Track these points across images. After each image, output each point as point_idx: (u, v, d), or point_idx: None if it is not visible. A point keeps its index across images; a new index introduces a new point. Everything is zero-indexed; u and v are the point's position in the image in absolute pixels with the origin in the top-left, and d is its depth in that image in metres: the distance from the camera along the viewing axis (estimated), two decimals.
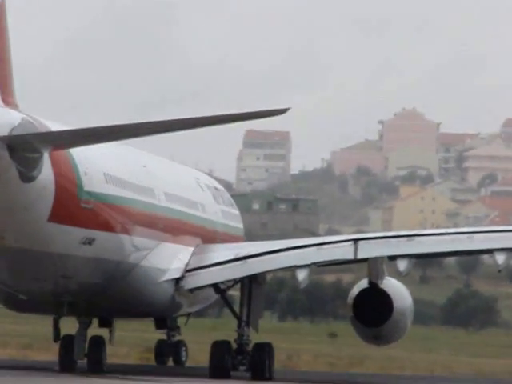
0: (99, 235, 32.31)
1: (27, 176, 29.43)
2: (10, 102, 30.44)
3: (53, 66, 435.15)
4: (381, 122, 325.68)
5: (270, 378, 35.13)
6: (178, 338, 42.96)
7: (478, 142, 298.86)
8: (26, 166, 29.32)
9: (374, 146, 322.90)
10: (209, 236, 39.56)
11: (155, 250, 35.35)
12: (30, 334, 46.62)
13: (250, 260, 35.10)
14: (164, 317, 39.00)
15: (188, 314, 41.35)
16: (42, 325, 49.35)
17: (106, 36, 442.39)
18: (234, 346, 35.13)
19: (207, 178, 45.97)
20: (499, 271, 35.39)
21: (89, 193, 31.66)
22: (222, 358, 34.76)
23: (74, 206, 31.27)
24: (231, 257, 35.45)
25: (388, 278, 37.30)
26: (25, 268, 31.38)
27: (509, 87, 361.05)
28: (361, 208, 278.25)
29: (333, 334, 77.72)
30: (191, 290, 35.71)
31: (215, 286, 35.96)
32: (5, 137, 28.45)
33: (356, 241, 34.81)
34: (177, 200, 37.85)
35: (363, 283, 36.88)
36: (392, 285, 37.52)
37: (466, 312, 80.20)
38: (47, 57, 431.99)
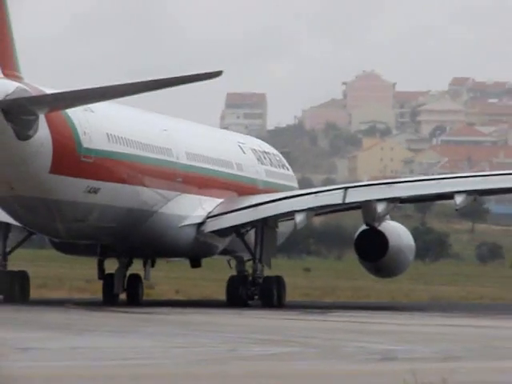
0: (104, 185, 33.12)
1: (24, 135, 30.45)
2: (10, 75, 30.81)
3: (61, 41, 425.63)
4: (344, 83, 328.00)
5: (280, 306, 36.85)
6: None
7: (428, 99, 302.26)
8: (21, 127, 30.25)
9: (339, 105, 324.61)
10: (246, 191, 39.69)
11: (175, 200, 35.75)
12: (45, 276, 45.86)
13: (260, 207, 36.42)
14: (197, 257, 38.75)
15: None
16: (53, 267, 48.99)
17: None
18: (250, 279, 36.84)
19: (258, 143, 45.56)
20: (456, 210, 38.14)
21: (88, 149, 32.30)
22: (237, 288, 36.46)
23: (73, 160, 32.09)
24: (247, 205, 36.88)
25: (389, 221, 38.95)
26: (41, 213, 32.61)
27: (454, 52, 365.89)
28: (329, 158, 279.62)
29: (307, 268, 77.98)
30: (212, 234, 36.72)
31: (236, 229, 36.86)
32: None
33: (346, 188, 36.35)
34: (202, 159, 37.99)
35: (363, 226, 38.27)
36: (390, 226, 38.69)
37: (422, 246, 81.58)
38: (54, 33, 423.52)
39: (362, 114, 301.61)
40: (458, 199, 35.81)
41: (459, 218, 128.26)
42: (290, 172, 45.38)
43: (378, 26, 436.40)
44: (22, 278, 34.73)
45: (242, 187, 40.03)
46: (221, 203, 37.58)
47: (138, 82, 31.37)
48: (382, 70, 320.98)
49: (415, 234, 46.64)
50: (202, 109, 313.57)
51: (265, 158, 42.71)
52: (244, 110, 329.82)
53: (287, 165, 44.93)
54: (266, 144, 46.48)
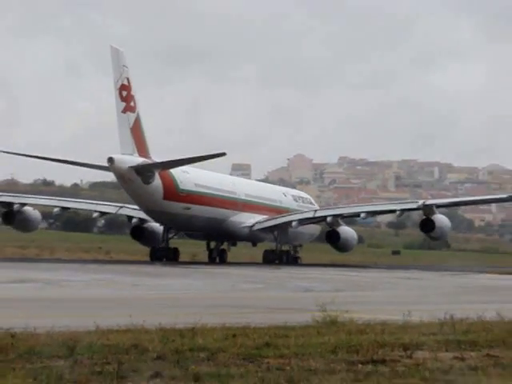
0: (194, 207, 60.47)
1: (147, 182, 57.19)
2: (144, 155, 57.44)
3: None
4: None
5: (288, 264, 63.91)
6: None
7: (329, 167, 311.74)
8: (145, 178, 56.89)
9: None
10: (282, 212, 67.43)
11: (238, 215, 64.09)
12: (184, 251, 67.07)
13: (278, 218, 65.26)
14: (253, 242, 68.30)
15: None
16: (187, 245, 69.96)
17: None
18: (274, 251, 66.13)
19: (299, 193, 78.03)
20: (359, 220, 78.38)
21: (183, 190, 59.80)
22: (269, 255, 65.16)
23: (174, 194, 59.17)
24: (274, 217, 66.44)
25: (344, 227, 65.18)
26: (165, 218, 60.22)
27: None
28: None
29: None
30: (258, 230, 64.75)
31: (269, 229, 65.14)
32: (133, 166, 56.12)
33: (315, 211, 67.01)
34: (255, 196, 66.69)
35: (328, 228, 65.81)
36: (343, 228, 64.98)
37: None
38: None
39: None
40: (362, 215, 64.46)
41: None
42: (314, 205, 73.83)
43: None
44: (175, 251, 63.00)
45: (280, 211, 67.78)
46: (265, 217, 65.83)
47: (177, 160, 57.98)
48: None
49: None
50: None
51: (298, 199, 72.16)
52: None
53: (313, 201, 75.26)
54: (302, 192, 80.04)
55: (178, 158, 58.07)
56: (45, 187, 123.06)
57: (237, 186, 66.29)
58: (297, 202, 70.16)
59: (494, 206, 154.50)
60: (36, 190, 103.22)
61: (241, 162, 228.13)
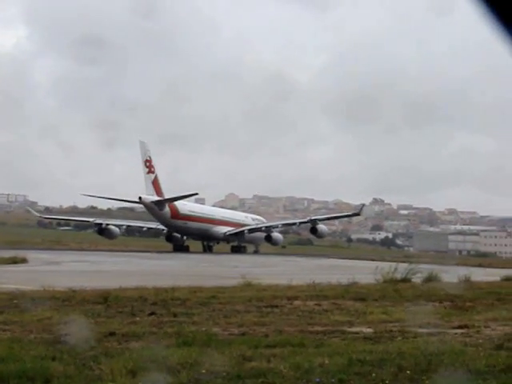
0: (189, 222, 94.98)
1: (160, 209, 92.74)
2: (160, 195, 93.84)
3: None
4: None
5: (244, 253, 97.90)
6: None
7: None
8: (159, 208, 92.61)
9: None
10: (241, 226, 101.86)
11: (217, 227, 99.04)
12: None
13: (237, 229, 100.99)
14: (228, 242, 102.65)
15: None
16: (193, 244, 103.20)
17: None
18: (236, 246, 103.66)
19: (255, 216, 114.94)
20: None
21: (182, 214, 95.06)
22: (233, 248, 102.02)
23: (177, 216, 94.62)
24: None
25: (275, 233, 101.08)
26: (175, 227, 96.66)
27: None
28: None
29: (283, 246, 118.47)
30: (229, 235, 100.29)
31: (235, 234, 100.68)
32: (153, 201, 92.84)
33: (256, 226, 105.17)
34: (226, 217, 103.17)
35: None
36: (275, 234, 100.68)
37: None
38: None
39: None
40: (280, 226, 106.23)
41: None
42: (265, 222, 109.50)
43: None
44: (187, 247, 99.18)
45: (241, 224, 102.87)
46: (232, 228, 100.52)
47: (170, 198, 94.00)
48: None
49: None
50: None
51: (254, 219, 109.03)
52: None
53: (264, 220, 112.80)
54: (257, 216, 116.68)
55: (170, 197, 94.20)
56: (93, 210, 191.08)
57: (214, 211, 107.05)
58: (253, 221, 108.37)
59: (337, 221, 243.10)
60: (88, 212, 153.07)
61: (199, 197, 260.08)
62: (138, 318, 17.39)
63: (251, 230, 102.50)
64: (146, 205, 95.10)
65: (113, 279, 28.36)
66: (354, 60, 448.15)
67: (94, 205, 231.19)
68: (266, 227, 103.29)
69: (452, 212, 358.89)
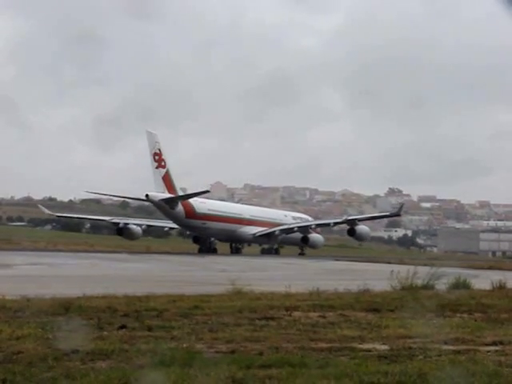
0: (208, 222, 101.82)
1: (173, 208, 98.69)
2: (172, 192, 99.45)
3: None
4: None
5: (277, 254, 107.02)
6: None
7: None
8: (171, 205, 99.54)
9: None
10: (277, 225, 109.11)
11: (245, 227, 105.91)
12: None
13: (272, 229, 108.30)
14: (259, 244, 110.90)
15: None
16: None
17: None
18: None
19: (298, 215, 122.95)
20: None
21: (199, 213, 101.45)
22: (265, 251, 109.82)
23: (193, 214, 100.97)
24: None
25: (314, 234, 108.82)
26: (191, 229, 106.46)
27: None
28: None
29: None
30: (258, 236, 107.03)
31: (266, 235, 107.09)
32: (162, 199, 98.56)
33: (289, 226, 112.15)
34: (257, 216, 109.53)
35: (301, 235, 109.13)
36: (313, 235, 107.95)
37: None
38: None
39: None
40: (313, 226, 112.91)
41: None
42: (308, 220, 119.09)
43: None
44: (214, 249, 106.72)
45: (277, 224, 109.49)
46: (265, 228, 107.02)
47: (180, 196, 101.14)
48: None
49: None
50: None
51: (297, 218, 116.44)
52: None
53: (310, 218, 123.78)
54: (300, 214, 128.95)
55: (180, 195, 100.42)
56: (51, 202, 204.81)
57: (243, 210, 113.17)
58: (294, 220, 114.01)
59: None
60: (46, 204, 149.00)
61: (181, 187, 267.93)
62: (105, 333, 17.37)
63: (284, 231, 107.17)
64: (154, 203, 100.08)
65: (75, 285, 28.45)
66: (374, 28, 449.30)
67: (53, 196, 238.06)
68: (299, 227, 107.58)
69: (484, 205, 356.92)
